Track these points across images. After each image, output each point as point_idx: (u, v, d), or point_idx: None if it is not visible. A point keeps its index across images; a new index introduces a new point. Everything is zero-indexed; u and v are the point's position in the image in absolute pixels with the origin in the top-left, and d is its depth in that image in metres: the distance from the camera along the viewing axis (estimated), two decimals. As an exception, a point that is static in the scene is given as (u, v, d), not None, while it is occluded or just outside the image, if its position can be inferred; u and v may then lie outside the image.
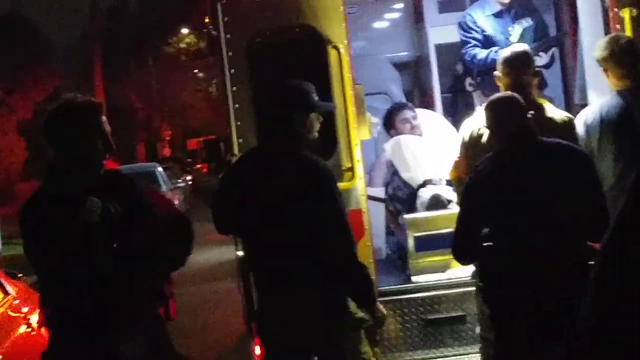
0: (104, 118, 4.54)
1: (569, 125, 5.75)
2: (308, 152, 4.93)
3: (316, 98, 5.05)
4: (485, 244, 4.98)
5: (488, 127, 5.18)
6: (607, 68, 5.82)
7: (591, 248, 4.85)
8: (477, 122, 5.85)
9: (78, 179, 4.42)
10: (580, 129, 5.85)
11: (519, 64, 5.82)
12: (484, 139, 5.70)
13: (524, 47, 6.14)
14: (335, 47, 6.24)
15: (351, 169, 6.25)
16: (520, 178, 4.88)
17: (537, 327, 4.80)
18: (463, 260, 5.42)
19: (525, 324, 4.80)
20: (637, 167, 5.09)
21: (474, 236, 5.00)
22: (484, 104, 5.27)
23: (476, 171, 5.10)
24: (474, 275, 5.89)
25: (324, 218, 4.75)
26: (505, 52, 6.00)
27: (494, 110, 5.12)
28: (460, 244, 5.12)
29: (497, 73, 5.95)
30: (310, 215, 4.70)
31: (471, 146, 5.82)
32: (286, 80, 5.18)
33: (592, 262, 4.70)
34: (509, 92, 5.39)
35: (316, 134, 5.04)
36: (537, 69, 5.97)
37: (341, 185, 5.52)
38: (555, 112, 5.86)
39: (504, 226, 4.91)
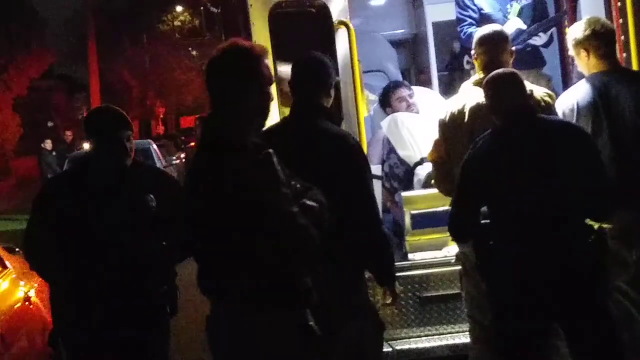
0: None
1: (548, 103, 5.69)
2: (335, 126, 4.96)
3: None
4: (484, 221, 4.98)
5: (487, 103, 5.13)
6: (587, 48, 5.65)
7: (591, 226, 4.88)
8: (457, 102, 5.80)
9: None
10: (559, 114, 5.73)
11: (495, 44, 5.75)
12: (466, 118, 5.65)
13: (499, 27, 6.11)
14: (344, 23, 6.26)
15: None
16: (521, 156, 4.85)
17: (539, 304, 4.78)
18: (460, 238, 5.42)
19: (526, 300, 4.78)
20: (618, 154, 5.11)
21: (472, 214, 4.98)
22: (485, 80, 5.20)
23: (475, 148, 5.04)
24: (458, 257, 5.92)
25: (353, 192, 4.74)
26: (482, 32, 5.92)
27: (494, 87, 5.07)
28: (458, 222, 5.08)
29: (473, 52, 5.88)
30: (341, 188, 4.54)
31: (451, 127, 5.71)
32: (306, 53, 5.17)
33: (592, 240, 4.78)
34: (509, 69, 5.33)
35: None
36: (512, 48, 5.89)
37: None
38: (536, 90, 5.80)
39: (503, 204, 4.89)
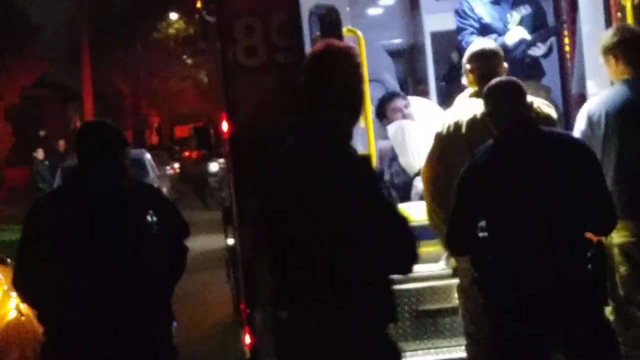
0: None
1: (547, 115, 5.63)
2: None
3: None
4: (482, 234, 4.89)
5: (487, 112, 5.04)
6: (616, 55, 5.66)
7: (591, 240, 4.80)
8: (453, 115, 5.76)
9: None
10: (582, 122, 5.74)
11: (489, 58, 5.77)
12: (463, 131, 5.58)
13: (492, 42, 6.11)
14: (353, 31, 6.23)
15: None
16: (520, 168, 4.77)
17: (537, 317, 4.71)
18: (458, 251, 5.34)
19: (525, 314, 4.71)
20: None
21: (470, 227, 4.88)
22: (486, 88, 5.10)
23: (473, 159, 4.96)
24: (456, 272, 5.88)
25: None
26: (475, 47, 5.92)
27: (494, 96, 4.97)
28: (456, 234, 5.00)
29: (467, 66, 5.85)
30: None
31: (448, 140, 5.66)
32: None
33: (591, 252, 4.70)
34: (511, 77, 5.25)
35: None
36: (505, 65, 5.87)
37: None
38: (535, 101, 5.74)
39: (502, 216, 4.81)
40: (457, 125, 5.62)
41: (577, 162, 4.81)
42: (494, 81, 5.09)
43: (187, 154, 35.11)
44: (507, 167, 4.81)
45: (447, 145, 5.66)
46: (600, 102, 5.71)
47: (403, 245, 3.96)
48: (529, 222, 4.70)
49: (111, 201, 4.70)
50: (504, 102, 4.91)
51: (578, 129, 5.77)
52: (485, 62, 5.73)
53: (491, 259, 4.83)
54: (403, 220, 3.96)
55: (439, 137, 5.74)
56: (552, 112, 5.77)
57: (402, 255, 4.01)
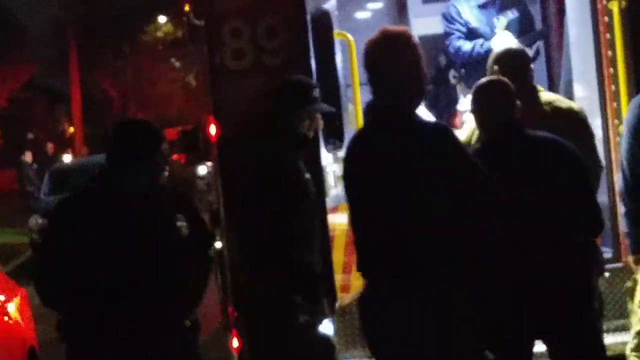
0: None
1: (576, 115, 5.55)
2: None
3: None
4: None
5: (473, 113, 5.01)
6: None
7: (577, 244, 4.78)
8: (465, 131, 5.76)
9: None
10: (630, 114, 5.49)
11: (517, 60, 5.68)
12: (474, 139, 5.54)
13: (518, 45, 6.01)
14: (343, 34, 6.25)
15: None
16: (506, 171, 4.67)
17: (524, 317, 4.69)
18: None
19: (515, 316, 4.69)
20: None
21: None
22: (473, 89, 5.09)
23: None
24: None
25: None
26: (500, 49, 5.84)
27: (480, 98, 4.94)
28: None
29: (494, 68, 5.74)
30: None
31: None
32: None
33: (580, 257, 4.69)
34: (499, 78, 5.17)
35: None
36: (531, 65, 5.82)
37: None
38: (562, 102, 5.70)
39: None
40: (468, 139, 5.60)
41: (563, 165, 4.79)
42: (481, 82, 5.06)
43: (175, 157, 35.07)
44: (493, 170, 4.77)
45: None
46: None
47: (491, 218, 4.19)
48: (514, 227, 4.61)
49: (137, 203, 4.54)
50: (491, 104, 4.88)
51: (625, 120, 5.58)
52: (512, 62, 5.66)
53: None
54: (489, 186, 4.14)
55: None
56: (573, 104, 5.74)
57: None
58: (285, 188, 4.95)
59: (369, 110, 4.35)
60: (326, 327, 5.17)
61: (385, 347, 4.19)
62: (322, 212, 5.71)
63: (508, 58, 5.72)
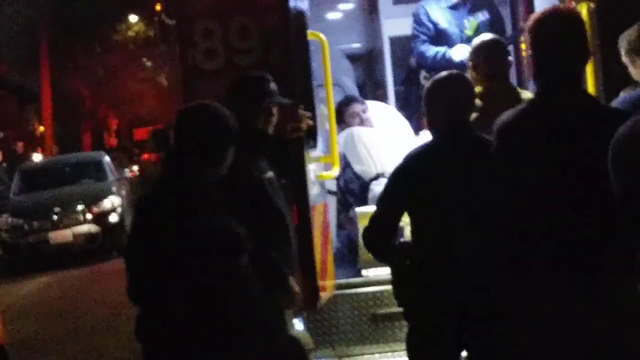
0: None
1: None
2: None
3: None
4: (403, 240, 4.87)
5: (424, 112, 4.85)
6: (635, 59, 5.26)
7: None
8: None
9: None
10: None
11: (496, 52, 5.59)
12: None
13: (495, 35, 5.93)
14: (316, 35, 6.25)
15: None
16: (450, 173, 4.59)
17: (456, 327, 4.60)
18: (379, 257, 5.01)
19: (442, 323, 4.59)
20: None
21: (391, 228, 4.75)
22: (426, 85, 4.90)
23: (404, 160, 4.79)
24: None
25: None
26: (480, 41, 5.72)
27: (431, 96, 4.77)
28: (376, 236, 4.78)
29: (471, 63, 5.69)
30: None
31: None
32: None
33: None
34: (452, 75, 4.91)
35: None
36: (510, 58, 5.75)
37: (324, 175, 5.52)
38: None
39: (428, 222, 4.67)
40: None
41: None
42: (435, 79, 4.84)
43: (146, 156, 34.94)
44: (435, 172, 4.64)
45: None
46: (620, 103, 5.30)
47: None
48: (454, 227, 4.55)
49: (209, 193, 4.31)
50: (441, 103, 4.72)
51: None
52: (491, 56, 5.54)
53: (410, 265, 4.71)
54: None
55: None
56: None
57: None
58: (238, 188, 4.73)
59: (537, 93, 4.08)
60: (296, 327, 5.14)
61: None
62: (305, 210, 5.70)
63: (484, 51, 5.66)
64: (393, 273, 4.82)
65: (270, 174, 5.02)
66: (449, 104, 4.68)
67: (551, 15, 4.04)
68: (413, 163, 4.73)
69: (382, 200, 4.79)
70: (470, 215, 4.47)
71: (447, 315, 4.56)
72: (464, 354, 4.78)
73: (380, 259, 5.00)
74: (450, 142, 4.67)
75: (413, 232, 4.74)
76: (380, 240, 4.78)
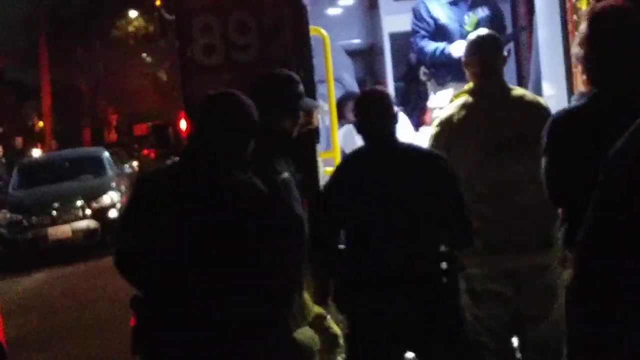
0: None
1: (544, 110, 5.44)
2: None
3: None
4: (340, 247, 4.86)
5: (355, 125, 4.97)
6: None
7: (446, 254, 4.77)
8: (441, 115, 5.68)
9: None
10: None
11: (490, 48, 5.58)
12: (442, 131, 5.46)
13: (490, 31, 5.92)
14: (317, 30, 6.24)
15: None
16: (377, 181, 4.70)
17: (392, 331, 4.66)
18: (320, 261, 5.02)
19: (379, 328, 4.65)
20: None
21: (333, 235, 4.83)
22: (357, 98, 5.10)
23: (339, 167, 4.95)
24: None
25: None
26: (474, 37, 5.70)
27: (359, 107, 4.93)
28: (320, 243, 4.86)
29: (465, 59, 5.66)
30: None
31: (433, 141, 5.51)
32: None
33: (445, 269, 4.67)
34: (377, 91, 5.21)
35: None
36: (505, 53, 5.73)
37: (328, 171, 5.49)
38: (529, 97, 5.63)
39: (358, 228, 4.77)
40: (439, 127, 5.52)
41: (434, 176, 4.74)
42: (362, 92, 5.17)
43: (145, 152, 34.94)
44: (364, 179, 4.75)
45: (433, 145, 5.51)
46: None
47: None
48: (383, 233, 4.64)
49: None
50: (367, 114, 4.85)
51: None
52: (483, 54, 5.50)
53: (345, 271, 4.78)
54: None
55: (430, 138, 5.61)
56: (540, 99, 5.68)
57: None
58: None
59: (597, 85, 3.93)
60: (305, 333, 5.06)
61: None
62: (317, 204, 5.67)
63: (477, 49, 5.63)
64: (333, 279, 4.91)
65: (286, 174, 4.85)
66: (375, 118, 4.81)
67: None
68: (347, 168, 4.89)
69: (321, 206, 4.89)
70: (396, 218, 4.60)
71: (389, 317, 4.61)
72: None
73: (329, 272, 5.01)
74: (375, 151, 4.80)
75: (346, 237, 4.82)
76: (325, 253, 4.86)
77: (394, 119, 4.87)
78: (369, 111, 4.85)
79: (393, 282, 4.59)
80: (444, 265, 4.70)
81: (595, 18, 3.94)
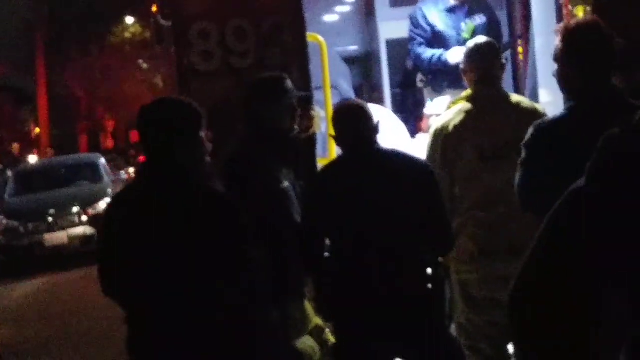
0: None
1: (541, 116, 5.48)
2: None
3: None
4: (326, 254, 4.86)
5: (334, 136, 4.96)
6: None
7: (430, 259, 4.78)
8: (438, 122, 5.67)
9: None
10: None
11: (488, 56, 5.60)
12: (437, 138, 5.49)
13: (489, 38, 5.94)
14: (314, 37, 6.24)
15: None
16: (360, 188, 4.70)
17: (380, 337, 4.67)
18: (310, 268, 5.02)
19: (367, 335, 4.67)
20: None
21: (319, 242, 4.84)
22: (334, 110, 5.09)
23: (319, 178, 4.98)
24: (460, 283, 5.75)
25: None
26: (472, 44, 5.71)
27: (338, 118, 4.93)
28: (309, 251, 4.87)
29: (463, 67, 5.68)
30: None
31: (430, 148, 5.56)
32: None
33: (431, 273, 4.67)
34: (355, 102, 5.24)
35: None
36: (503, 61, 5.75)
37: None
38: (526, 104, 5.64)
39: (342, 236, 4.77)
40: (436, 133, 5.54)
41: (416, 183, 4.74)
42: (340, 104, 5.14)
43: (142, 158, 34.89)
44: (345, 186, 4.75)
45: (429, 152, 5.57)
46: None
47: None
48: (367, 240, 4.64)
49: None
50: (346, 124, 4.84)
51: None
52: (480, 61, 5.52)
53: (332, 279, 4.78)
54: None
55: (428, 145, 5.64)
56: (537, 106, 5.69)
57: None
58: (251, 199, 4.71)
59: (574, 98, 4.03)
60: (306, 342, 5.05)
61: None
62: None
63: (476, 56, 5.64)
64: (318, 286, 4.94)
65: (286, 183, 4.89)
66: (355, 127, 4.79)
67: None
68: (328, 178, 4.90)
69: (304, 215, 4.86)
70: (379, 225, 4.60)
71: (376, 323, 4.63)
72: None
73: (313, 272, 5.02)
74: (357, 158, 4.80)
75: (331, 245, 4.83)
76: (313, 260, 4.86)
77: (375, 130, 4.84)
78: (351, 124, 4.81)
79: (378, 289, 4.60)
80: (429, 271, 4.70)
81: (569, 34, 4.05)
